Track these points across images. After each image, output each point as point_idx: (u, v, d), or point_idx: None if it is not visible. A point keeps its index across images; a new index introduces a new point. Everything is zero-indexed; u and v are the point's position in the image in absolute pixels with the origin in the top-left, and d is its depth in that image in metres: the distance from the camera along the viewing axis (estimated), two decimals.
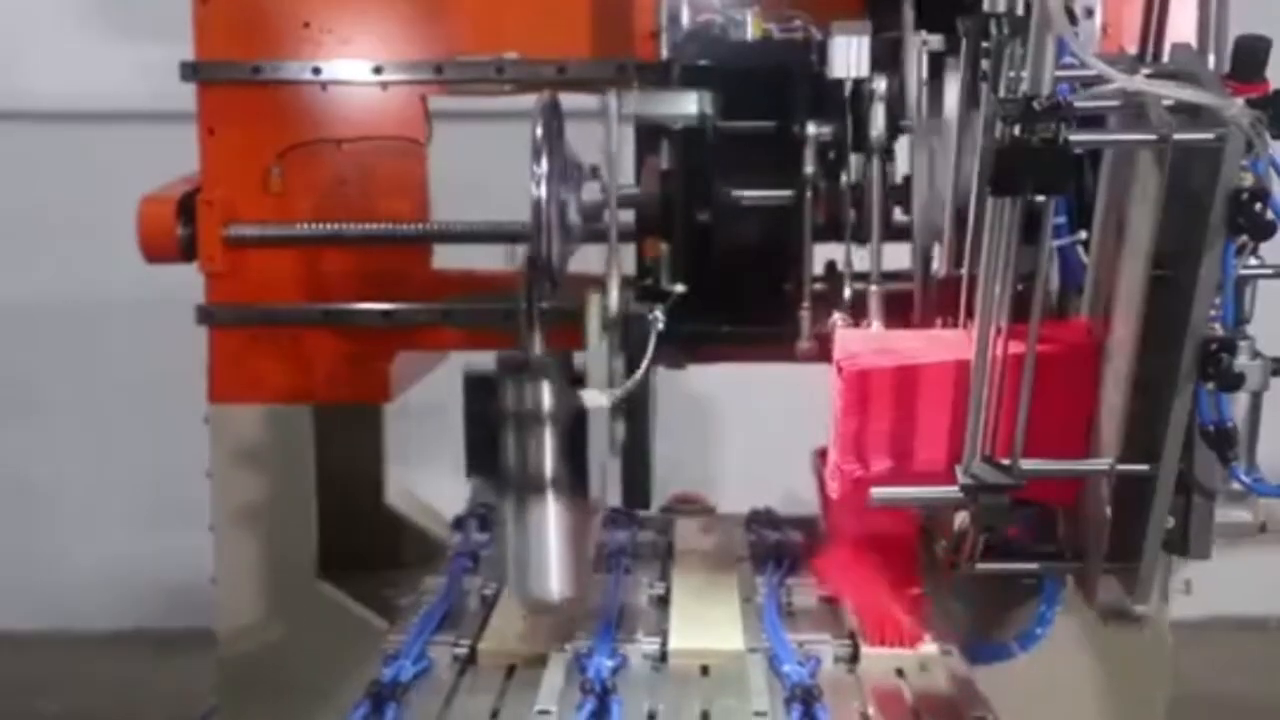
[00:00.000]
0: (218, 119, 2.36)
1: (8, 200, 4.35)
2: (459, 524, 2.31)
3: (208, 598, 2.43)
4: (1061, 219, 1.53)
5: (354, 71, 2.37)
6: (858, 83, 1.72)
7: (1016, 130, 1.31)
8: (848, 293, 1.79)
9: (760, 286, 1.79)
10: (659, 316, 1.78)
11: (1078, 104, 1.37)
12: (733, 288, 1.87)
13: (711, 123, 1.84)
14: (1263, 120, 1.32)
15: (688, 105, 1.84)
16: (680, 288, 1.86)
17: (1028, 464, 1.51)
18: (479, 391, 1.72)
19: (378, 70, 2.36)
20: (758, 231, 1.85)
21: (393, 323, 2.40)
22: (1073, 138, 1.34)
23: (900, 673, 1.73)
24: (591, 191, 1.84)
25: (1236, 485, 1.45)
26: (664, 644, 1.79)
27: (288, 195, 2.40)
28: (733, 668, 1.73)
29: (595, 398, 1.69)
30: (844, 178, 1.79)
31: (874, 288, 1.58)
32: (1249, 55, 1.42)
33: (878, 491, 1.59)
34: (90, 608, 4.47)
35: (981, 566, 1.64)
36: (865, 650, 1.75)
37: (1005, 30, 1.39)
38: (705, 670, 1.75)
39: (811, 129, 1.67)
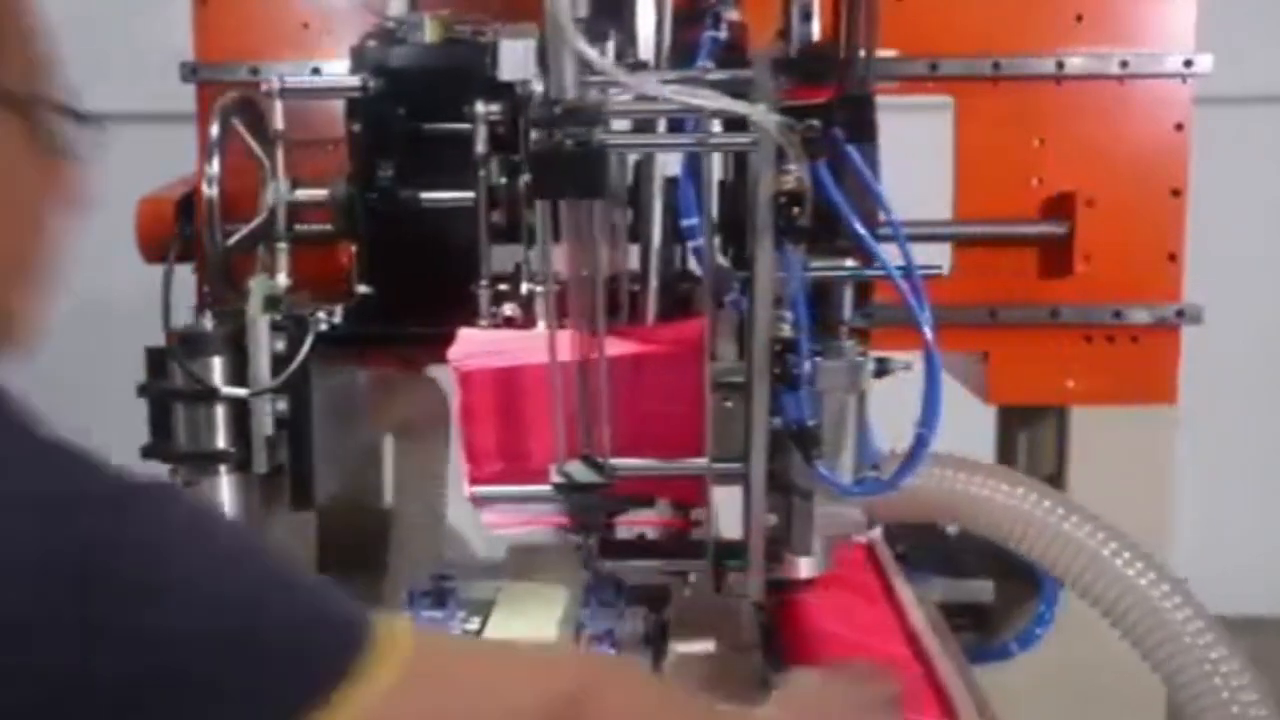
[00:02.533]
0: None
1: None
2: None
3: None
4: (694, 220, 1.54)
5: None
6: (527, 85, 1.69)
7: (550, 134, 1.33)
8: (525, 291, 1.75)
9: (444, 288, 1.75)
10: (321, 317, 1.78)
11: (615, 109, 1.39)
12: (417, 290, 1.84)
13: (401, 126, 1.83)
14: (795, 127, 1.32)
15: (349, 82, 1.83)
16: (363, 289, 1.85)
17: (620, 463, 1.54)
18: (158, 365, 1.75)
19: None
20: (440, 233, 1.82)
21: None
22: (610, 141, 1.36)
23: None
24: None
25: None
26: None
27: None
28: None
29: (237, 389, 1.73)
30: (522, 180, 1.74)
31: (540, 288, 1.57)
32: (813, 61, 1.44)
33: (476, 490, 1.61)
34: None
35: (607, 564, 1.66)
36: None
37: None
38: None
39: (481, 107, 1.66)
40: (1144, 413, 2.11)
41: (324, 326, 1.78)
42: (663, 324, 1.65)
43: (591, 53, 1.29)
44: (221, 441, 1.75)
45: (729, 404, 1.47)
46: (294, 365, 1.73)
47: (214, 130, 1.84)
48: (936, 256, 2.15)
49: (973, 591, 2.14)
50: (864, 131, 1.39)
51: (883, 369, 1.46)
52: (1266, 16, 4.45)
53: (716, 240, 1.56)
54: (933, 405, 1.35)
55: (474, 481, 1.63)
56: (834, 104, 1.39)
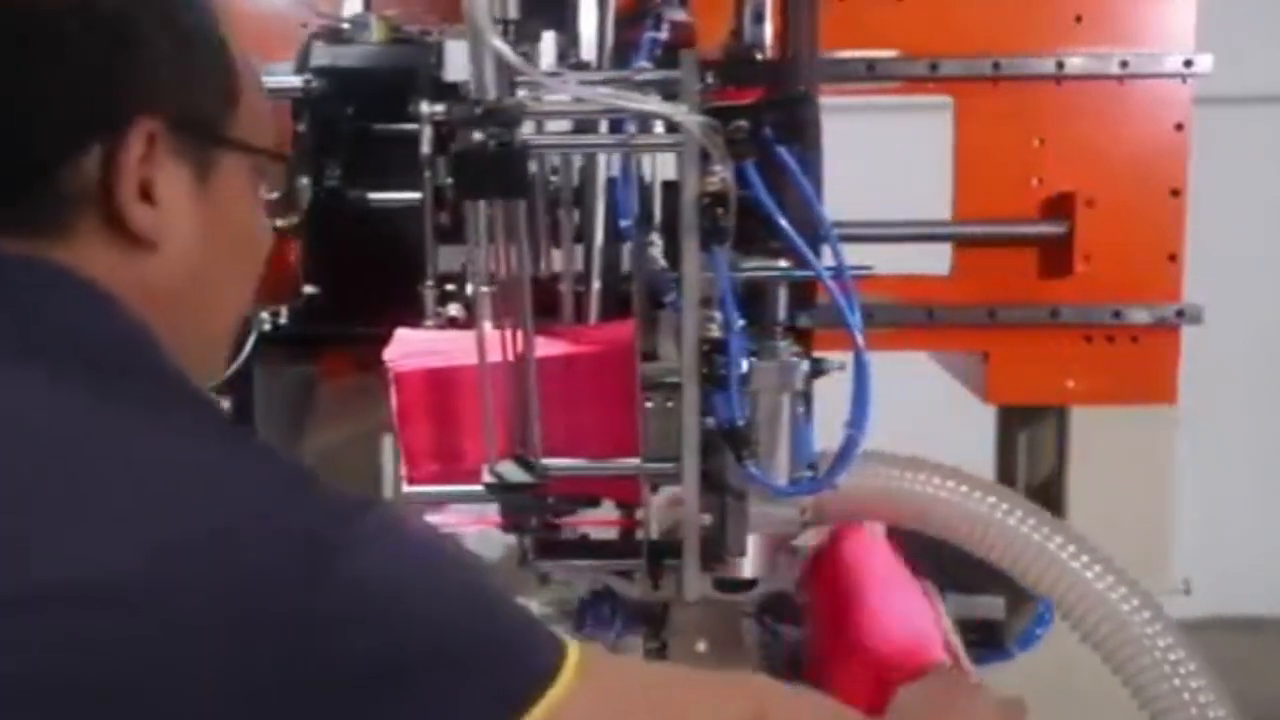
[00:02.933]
0: None
1: None
2: None
3: None
4: (627, 221, 1.55)
5: None
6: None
7: (473, 134, 1.33)
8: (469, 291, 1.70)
9: (391, 288, 1.74)
10: (265, 318, 1.78)
11: (544, 109, 1.39)
12: (365, 290, 1.84)
13: (348, 126, 1.83)
14: (718, 129, 1.32)
15: (290, 81, 1.82)
16: (310, 289, 1.85)
17: (553, 463, 1.53)
18: None
19: None
20: (388, 233, 1.81)
21: None
22: (533, 142, 1.37)
23: None
24: None
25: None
26: None
27: None
28: None
29: None
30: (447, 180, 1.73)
31: (484, 289, 1.57)
32: (740, 63, 1.44)
33: (407, 491, 1.61)
34: None
35: (542, 564, 1.66)
36: None
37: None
38: None
39: (426, 107, 1.64)
40: (1144, 413, 2.11)
41: (267, 327, 1.78)
42: (601, 324, 1.64)
43: (509, 53, 1.29)
44: None
45: (670, 404, 1.46)
46: (235, 365, 1.71)
47: None
48: (936, 256, 2.16)
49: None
50: (794, 132, 1.39)
51: (818, 369, 1.47)
52: (1266, 16, 4.45)
53: (658, 240, 1.56)
54: (862, 406, 1.37)
55: (411, 482, 1.62)
56: (763, 105, 1.39)
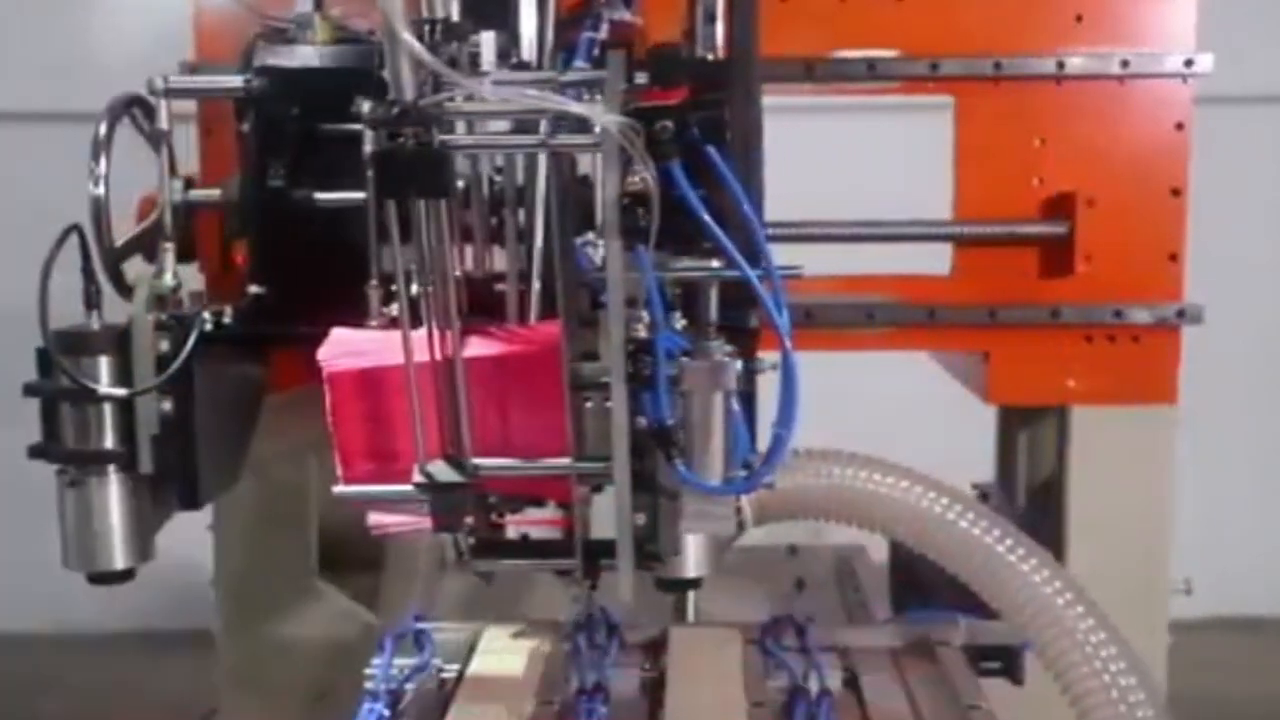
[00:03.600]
0: (215, 120, 2.36)
1: (5, 201, 4.35)
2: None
3: (208, 598, 2.43)
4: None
5: None
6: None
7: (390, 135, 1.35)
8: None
9: (337, 288, 1.71)
10: (206, 317, 1.78)
11: (462, 110, 1.39)
12: (311, 289, 1.80)
13: (293, 126, 1.81)
14: (638, 129, 1.32)
15: (230, 81, 1.83)
16: (255, 289, 1.84)
17: (483, 463, 1.54)
18: (47, 365, 1.75)
19: None
20: (334, 232, 1.79)
21: None
22: (454, 142, 1.38)
23: None
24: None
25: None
26: None
27: None
28: None
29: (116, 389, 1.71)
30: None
31: (417, 288, 1.57)
32: (664, 63, 1.43)
33: (339, 490, 1.61)
34: (90, 608, 4.46)
35: (479, 564, 1.65)
36: None
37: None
38: None
39: (369, 107, 1.66)
40: (1144, 413, 2.11)
41: (209, 326, 1.77)
42: (537, 325, 1.63)
43: (424, 53, 1.29)
44: (109, 442, 1.73)
45: (609, 404, 1.45)
46: (176, 364, 1.70)
47: (102, 130, 1.83)
48: (937, 256, 2.16)
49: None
50: (720, 133, 1.38)
51: (751, 369, 1.47)
52: (1266, 16, 4.45)
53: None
54: (789, 406, 1.38)
55: (346, 482, 1.62)
56: (688, 105, 1.38)
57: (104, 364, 1.72)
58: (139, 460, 1.74)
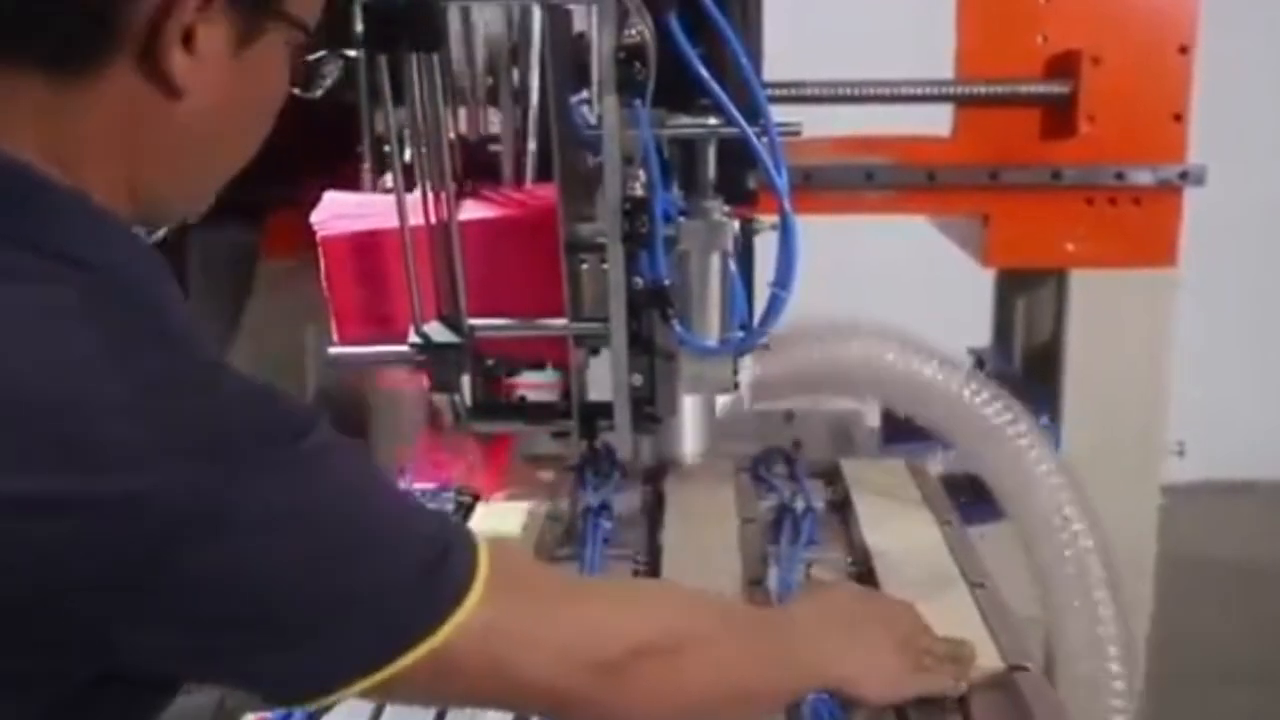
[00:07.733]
0: None
1: None
2: None
3: None
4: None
5: None
6: None
7: None
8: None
9: (326, 152, 1.70)
10: None
11: None
12: (305, 153, 1.79)
13: None
14: None
15: None
16: None
17: (479, 323, 1.53)
18: None
19: None
20: (332, 95, 1.78)
21: None
22: None
23: None
24: None
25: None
26: None
27: None
28: None
29: None
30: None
31: (403, 150, 1.53)
32: None
33: (333, 350, 1.61)
34: None
35: (475, 425, 1.65)
36: None
37: None
38: None
39: None
40: (1144, 276, 2.09)
41: None
42: (534, 187, 1.61)
43: None
44: None
45: (605, 265, 1.44)
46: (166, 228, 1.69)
47: None
48: (938, 116, 2.12)
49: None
50: None
51: (750, 229, 1.46)
52: None
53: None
54: (788, 267, 1.38)
55: (341, 343, 1.61)
56: None
57: None
58: None
